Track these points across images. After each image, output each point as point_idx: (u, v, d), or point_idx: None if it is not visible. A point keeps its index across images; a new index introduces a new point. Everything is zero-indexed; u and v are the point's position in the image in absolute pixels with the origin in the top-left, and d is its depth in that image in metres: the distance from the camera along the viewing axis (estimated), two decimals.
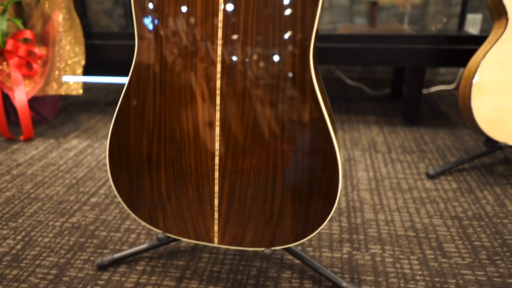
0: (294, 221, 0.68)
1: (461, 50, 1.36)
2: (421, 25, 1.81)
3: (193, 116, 0.66)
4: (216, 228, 0.71)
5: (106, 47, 1.55)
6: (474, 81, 1.07)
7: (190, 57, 0.64)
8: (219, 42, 0.62)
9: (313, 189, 0.66)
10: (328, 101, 0.70)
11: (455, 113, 1.65)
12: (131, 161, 0.71)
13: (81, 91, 1.44)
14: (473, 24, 1.77)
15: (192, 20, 0.62)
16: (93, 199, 1.08)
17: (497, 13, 1.09)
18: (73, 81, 1.46)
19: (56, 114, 1.66)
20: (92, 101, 1.86)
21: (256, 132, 0.64)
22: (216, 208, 0.70)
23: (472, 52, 1.35)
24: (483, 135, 1.09)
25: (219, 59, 0.63)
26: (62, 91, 1.44)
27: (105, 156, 1.32)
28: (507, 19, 1.05)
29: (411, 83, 1.45)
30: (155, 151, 0.69)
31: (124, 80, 2.13)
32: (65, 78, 1.46)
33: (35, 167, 1.26)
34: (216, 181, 0.68)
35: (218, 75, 0.63)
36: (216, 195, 0.69)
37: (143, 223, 0.75)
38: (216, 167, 0.67)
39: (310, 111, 0.62)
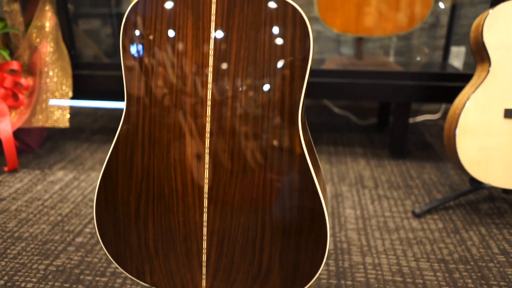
0: (282, 277, 0.68)
1: (446, 87, 1.39)
2: (407, 57, 1.85)
3: (181, 174, 0.66)
4: (204, 283, 0.71)
5: (94, 77, 1.54)
6: (459, 122, 1.09)
7: (180, 120, 0.64)
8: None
9: (301, 246, 0.66)
10: (317, 158, 0.71)
11: (440, 144, 1.68)
12: (118, 215, 0.70)
13: (67, 124, 1.43)
14: (457, 56, 1.81)
15: (182, 81, 0.63)
16: (79, 239, 1.06)
17: (480, 57, 1.12)
18: (61, 105, 1.44)
19: (41, 143, 1.64)
20: (78, 128, 1.84)
21: (245, 191, 0.64)
22: (204, 264, 0.70)
23: (456, 89, 1.37)
24: (468, 174, 1.11)
25: (208, 123, 0.63)
26: (48, 124, 1.43)
27: (91, 190, 1.31)
28: (489, 64, 1.08)
29: (397, 117, 1.47)
30: (143, 206, 0.69)
31: (111, 104, 2.12)
32: (52, 102, 1.45)
33: (20, 202, 1.24)
34: (204, 237, 0.68)
35: (207, 135, 0.64)
36: (204, 251, 0.69)
37: (130, 276, 0.74)
38: (205, 223, 0.67)
39: (299, 175, 0.63)
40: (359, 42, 1.60)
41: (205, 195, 0.66)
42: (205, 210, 0.66)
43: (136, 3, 0.63)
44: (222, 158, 0.64)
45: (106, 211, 0.71)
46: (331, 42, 1.89)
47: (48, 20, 1.46)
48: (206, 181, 0.65)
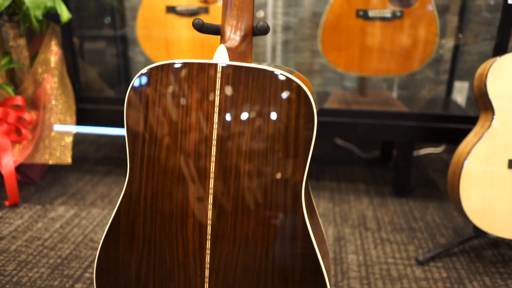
0: None
1: (449, 128, 1.38)
2: (410, 90, 1.85)
3: (183, 243, 0.65)
4: None
5: (98, 111, 1.54)
6: (462, 171, 1.08)
7: (182, 192, 0.64)
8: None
9: None
10: (318, 219, 0.70)
11: (443, 180, 1.67)
12: (119, 281, 0.69)
13: (69, 161, 1.43)
14: (460, 91, 1.81)
15: (185, 156, 0.62)
16: (78, 285, 1.05)
17: (484, 105, 1.11)
18: (63, 142, 1.44)
19: (43, 175, 1.64)
20: (81, 158, 1.84)
21: (246, 263, 0.64)
22: None
23: (460, 131, 1.37)
24: (472, 223, 1.10)
25: (211, 195, 0.63)
26: (51, 161, 1.43)
27: (92, 229, 1.30)
28: (493, 114, 1.07)
29: (401, 157, 1.47)
30: (144, 274, 0.68)
31: (115, 131, 2.12)
32: (56, 128, 1.45)
33: (19, 242, 1.23)
34: None
35: (210, 206, 0.63)
36: None
37: None
38: None
39: (302, 250, 0.62)
40: (363, 79, 1.60)
41: (207, 265, 0.65)
42: (207, 280, 0.65)
43: (141, 74, 0.63)
44: (225, 230, 0.63)
45: (107, 274, 0.70)
46: (335, 75, 1.89)
47: (53, 54, 1.47)
48: (208, 251, 0.64)
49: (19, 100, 1.41)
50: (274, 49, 1.84)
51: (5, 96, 1.43)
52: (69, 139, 1.43)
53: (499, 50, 1.25)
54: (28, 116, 1.43)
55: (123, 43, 1.93)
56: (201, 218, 0.63)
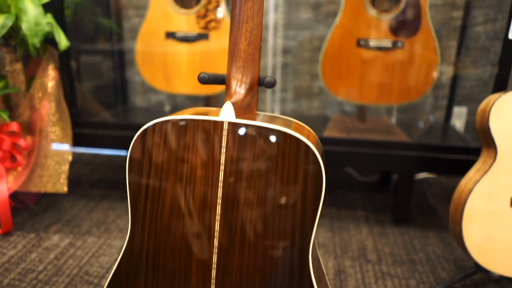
0: None
1: (450, 159, 1.38)
2: (409, 115, 1.85)
3: None
4: None
5: (94, 136, 1.52)
6: (465, 209, 1.07)
7: (185, 251, 0.62)
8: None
9: None
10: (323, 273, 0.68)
11: (442, 207, 1.66)
12: None
13: (65, 189, 1.40)
14: (459, 116, 1.81)
15: (188, 214, 0.61)
16: None
17: (486, 142, 1.11)
18: (59, 170, 1.42)
19: (37, 200, 1.61)
20: (76, 180, 1.81)
21: None
22: None
23: (460, 162, 1.36)
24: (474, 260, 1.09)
25: (215, 254, 0.61)
26: (46, 189, 1.40)
27: (87, 261, 1.27)
28: (496, 152, 1.07)
29: (401, 186, 1.46)
30: None
31: (110, 152, 2.09)
32: (55, 146, 1.43)
33: (12, 275, 1.20)
34: None
35: (214, 265, 0.61)
36: None
37: None
38: None
39: None
40: (363, 106, 1.59)
41: None
42: None
43: (144, 129, 0.61)
44: None
45: None
46: (333, 99, 1.88)
47: (50, 79, 1.45)
48: None
49: (14, 126, 1.39)
50: (274, 72, 1.83)
51: (0, 122, 1.40)
52: (65, 167, 1.40)
53: (499, 85, 1.25)
54: (23, 142, 1.40)
55: (121, 64, 1.92)
56: (205, 278, 0.61)
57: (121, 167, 1.97)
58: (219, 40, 1.45)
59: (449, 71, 1.76)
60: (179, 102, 1.86)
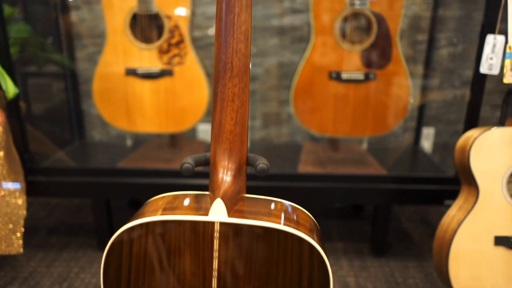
0: None
1: (425, 190, 1.37)
2: (379, 139, 1.84)
3: None
4: None
5: (51, 184, 1.39)
6: (450, 251, 1.05)
7: None
8: None
9: None
10: None
11: (418, 232, 1.65)
12: None
13: (21, 250, 1.26)
14: (427, 137, 1.83)
15: None
16: None
17: (467, 179, 1.10)
18: (14, 229, 1.28)
19: None
20: (31, 226, 1.66)
21: None
22: None
23: (436, 192, 1.36)
24: None
25: None
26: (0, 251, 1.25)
27: None
28: (477, 190, 1.05)
29: (378, 218, 1.43)
30: None
31: None
32: (5, 185, 1.28)
33: None
34: None
35: None
36: None
37: None
38: None
39: None
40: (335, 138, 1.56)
41: None
42: None
43: (122, 233, 0.53)
44: None
45: None
46: None
47: None
48: None
49: None
50: None
51: None
52: (20, 224, 1.26)
53: (471, 118, 1.25)
54: None
55: (75, 96, 1.78)
56: None
57: (81, 207, 1.83)
58: (185, 76, 1.37)
59: (416, 92, 1.76)
60: (140, 136, 1.75)
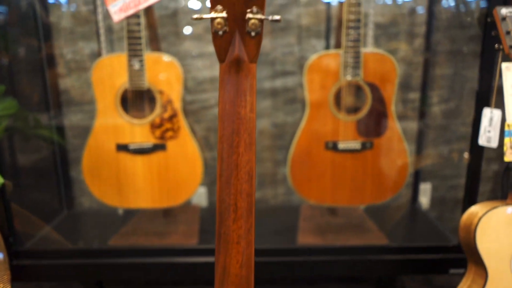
0: None
1: (429, 259, 1.33)
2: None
3: None
4: None
5: (38, 267, 1.32)
6: None
7: None
8: None
9: None
10: None
11: None
12: None
13: None
14: (424, 193, 1.80)
15: None
16: None
17: (473, 258, 1.06)
18: None
19: None
20: None
21: None
22: None
23: (439, 261, 1.32)
24: None
25: None
26: None
27: None
28: (486, 271, 1.02)
29: (381, 285, 1.39)
30: None
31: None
32: None
33: None
34: None
35: None
36: None
37: None
38: None
39: None
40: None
41: None
42: None
43: None
44: None
45: None
46: None
47: None
48: None
49: None
50: None
51: None
52: None
53: (470, 197, 1.24)
54: None
55: (64, 164, 1.72)
56: None
57: None
58: (178, 150, 1.33)
59: (411, 149, 1.75)
60: None
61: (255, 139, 0.53)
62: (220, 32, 0.49)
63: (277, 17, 0.49)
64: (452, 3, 1.68)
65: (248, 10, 0.48)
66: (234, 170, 0.52)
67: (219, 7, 0.48)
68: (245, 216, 0.53)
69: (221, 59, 0.51)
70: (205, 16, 0.49)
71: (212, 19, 0.49)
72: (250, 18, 0.48)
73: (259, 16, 0.48)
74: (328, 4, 1.63)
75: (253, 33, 0.49)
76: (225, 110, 0.52)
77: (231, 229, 0.52)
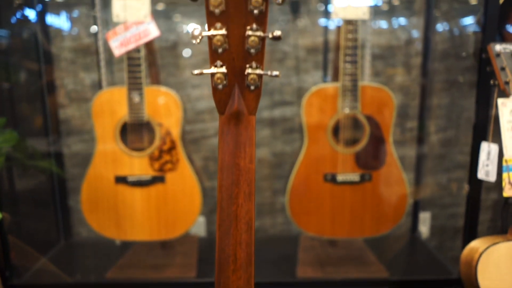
0: None
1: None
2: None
3: None
4: None
5: None
6: None
7: None
8: None
9: None
10: None
11: None
12: None
13: None
14: (424, 222, 1.80)
15: None
16: None
17: None
18: None
19: None
20: None
21: None
22: None
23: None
24: None
25: None
26: None
27: None
28: None
29: None
30: None
31: None
32: None
33: None
34: None
35: None
36: None
37: None
38: None
39: None
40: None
41: None
42: None
43: None
44: None
45: None
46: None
47: None
48: None
49: None
50: None
51: None
52: None
53: (470, 229, 1.24)
54: None
55: (62, 193, 1.72)
56: None
57: None
58: (177, 182, 1.33)
59: (410, 177, 1.75)
60: None
61: (254, 189, 0.54)
62: (220, 86, 0.50)
63: (276, 72, 0.50)
64: (449, 34, 1.72)
65: (248, 65, 0.49)
66: (233, 221, 0.52)
67: (219, 62, 0.49)
68: (244, 267, 0.52)
69: (221, 112, 0.52)
70: (205, 71, 0.50)
71: (212, 74, 0.49)
72: (249, 73, 0.49)
73: (258, 71, 0.49)
74: (326, 34, 1.66)
75: (252, 87, 0.50)
76: (225, 161, 0.52)
77: (230, 280, 0.52)
